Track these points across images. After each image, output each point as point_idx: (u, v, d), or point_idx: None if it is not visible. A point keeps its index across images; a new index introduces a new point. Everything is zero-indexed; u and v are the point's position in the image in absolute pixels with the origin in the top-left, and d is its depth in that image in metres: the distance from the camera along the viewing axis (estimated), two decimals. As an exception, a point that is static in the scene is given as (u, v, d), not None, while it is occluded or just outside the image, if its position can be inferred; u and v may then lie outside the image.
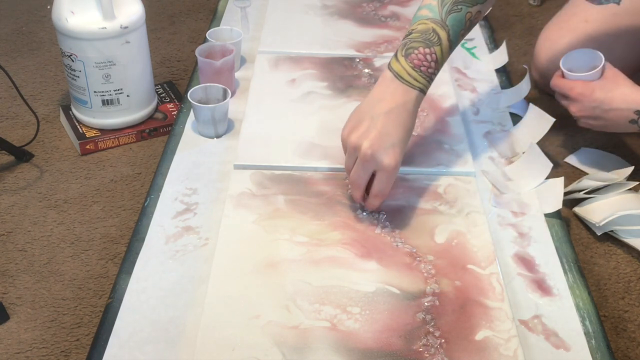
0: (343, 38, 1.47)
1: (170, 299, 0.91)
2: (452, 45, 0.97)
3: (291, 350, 0.83)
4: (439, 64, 0.96)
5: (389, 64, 0.97)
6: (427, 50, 0.95)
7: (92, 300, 0.99)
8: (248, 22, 1.53)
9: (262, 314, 0.87)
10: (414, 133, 1.19)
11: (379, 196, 0.99)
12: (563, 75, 1.14)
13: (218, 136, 1.21)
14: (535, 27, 1.67)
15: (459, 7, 0.96)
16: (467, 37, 1.52)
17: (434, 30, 0.96)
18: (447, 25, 0.96)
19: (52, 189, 1.19)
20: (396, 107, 0.95)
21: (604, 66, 1.10)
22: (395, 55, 0.97)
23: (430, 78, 0.97)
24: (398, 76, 0.96)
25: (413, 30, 0.97)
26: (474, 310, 0.89)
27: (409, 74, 0.95)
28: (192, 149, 1.18)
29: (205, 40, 1.35)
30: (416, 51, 0.95)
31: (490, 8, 1.11)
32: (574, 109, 1.12)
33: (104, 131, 1.29)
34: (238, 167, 1.12)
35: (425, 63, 0.95)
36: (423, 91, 0.97)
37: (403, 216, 1.03)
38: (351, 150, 0.97)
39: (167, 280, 0.94)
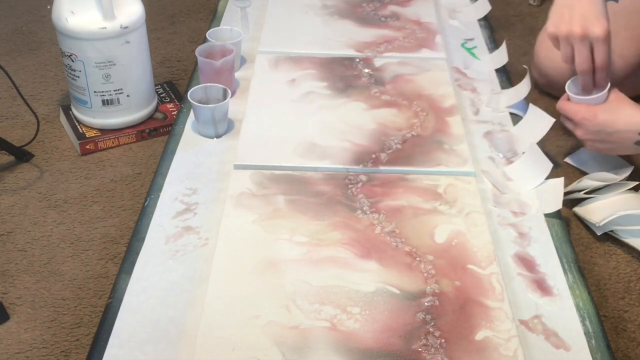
0: (343, 38, 1.47)
1: (170, 299, 0.91)
2: None
3: (291, 350, 0.83)
4: None
5: None
6: None
7: (92, 300, 0.99)
8: (248, 22, 1.53)
9: (262, 314, 0.87)
10: (414, 133, 1.20)
11: (603, 67, 1.09)
12: (569, 99, 1.14)
13: (218, 136, 1.21)
14: (535, 27, 1.67)
15: None
16: (467, 37, 1.53)
17: None
18: None
19: (52, 189, 1.19)
20: None
21: (609, 90, 1.10)
22: None
23: None
24: None
25: None
26: (474, 310, 0.89)
27: None
28: (192, 149, 1.18)
29: (205, 40, 1.35)
30: None
31: None
32: (579, 133, 1.12)
33: (104, 131, 1.29)
34: (238, 167, 1.12)
35: None
36: None
37: (403, 216, 1.03)
38: (564, 40, 1.09)
39: (167, 280, 0.94)
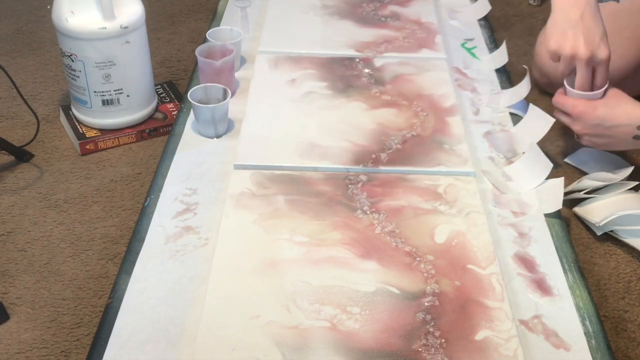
0: (343, 38, 1.47)
1: (170, 299, 0.91)
2: None
3: (291, 350, 0.83)
4: None
5: None
6: None
7: (92, 300, 0.99)
8: (248, 22, 1.53)
9: (262, 314, 0.87)
10: (414, 133, 1.20)
11: (600, 86, 1.11)
12: (565, 93, 1.14)
13: (218, 136, 1.21)
14: (535, 27, 1.67)
15: None
16: (467, 37, 1.53)
17: None
18: None
19: (52, 189, 1.19)
20: (585, 9, 1.08)
21: (607, 87, 1.10)
22: None
23: None
24: None
25: None
26: (474, 310, 0.89)
27: None
28: (192, 149, 1.18)
29: (205, 40, 1.35)
30: None
31: None
32: (576, 127, 1.12)
33: (104, 131, 1.29)
34: (238, 167, 1.12)
35: None
36: None
37: (403, 216, 1.03)
38: (568, 59, 1.10)
39: (167, 280, 0.94)
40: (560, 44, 1.10)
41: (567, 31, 1.09)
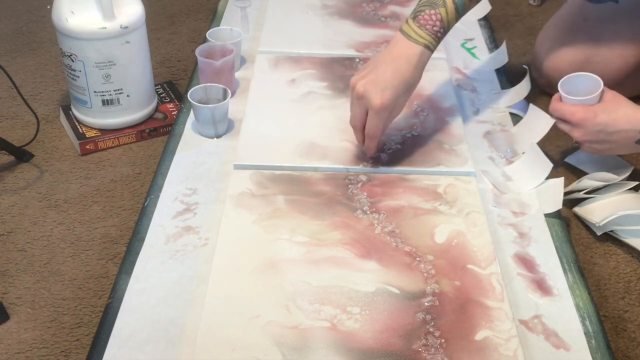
0: (343, 38, 1.47)
1: (170, 299, 0.91)
2: (457, 9, 1.07)
3: (291, 350, 0.83)
4: (444, 23, 1.06)
5: (400, 28, 1.08)
6: (432, 11, 1.06)
7: (92, 300, 0.99)
8: (248, 22, 1.53)
9: (262, 314, 0.87)
10: (413, 133, 1.19)
11: (370, 137, 1.07)
12: (561, 99, 1.12)
13: (218, 136, 1.21)
14: (535, 27, 1.67)
15: None
16: (467, 37, 1.53)
17: None
18: None
19: (52, 189, 1.19)
20: (399, 57, 1.05)
21: (602, 90, 1.07)
22: (406, 20, 1.08)
23: (435, 35, 1.06)
24: (406, 34, 1.06)
25: None
26: (474, 310, 0.89)
27: (415, 32, 1.06)
28: (192, 149, 1.18)
29: (205, 40, 1.35)
30: (422, 13, 1.06)
31: None
32: (577, 135, 1.08)
33: (104, 131, 1.28)
34: (238, 167, 1.12)
35: (430, 22, 1.06)
36: (428, 47, 1.06)
37: (403, 216, 1.03)
38: (351, 92, 1.07)
39: (167, 280, 0.94)
40: (356, 77, 1.06)
41: (368, 68, 1.06)
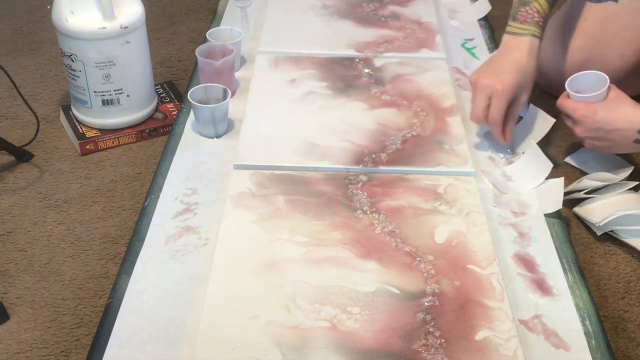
0: (343, 38, 1.47)
1: (170, 299, 0.91)
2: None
3: (291, 350, 0.83)
4: (541, 13, 1.16)
5: (505, 32, 1.18)
6: (527, 7, 1.17)
7: (92, 300, 0.99)
8: (248, 22, 1.53)
9: (262, 314, 0.87)
10: (414, 133, 1.20)
11: (494, 122, 1.13)
12: (569, 97, 1.13)
13: (218, 136, 1.21)
14: (535, 27, 1.66)
15: None
16: (467, 37, 1.53)
17: None
18: None
19: (52, 189, 1.19)
20: (512, 50, 1.15)
21: (608, 88, 1.09)
22: (507, 24, 1.19)
23: (537, 25, 1.16)
24: (511, 33, 1.17)
25: (513, 1, 1.20)
26: (474, 310, 0.89)
27: (519, 28, 1.16)
28: (192, 149, 1.18)
29: (205, 40, 1.35)
30: (519, 12, 1.17)
31: None
32: (578, 130, 1.11)
33: (104, 131, 1.29)
34: (238, 167, 1.12)
35: (529, 16, 1.16)
36: (535, 36, 1.15)
37: (403, 216, 1.03)
38: (472, 87, 1.15)
39: (167, 280, 0.94)
40: (477, 75, 1.15)
41: (486, 64, 1.17)
